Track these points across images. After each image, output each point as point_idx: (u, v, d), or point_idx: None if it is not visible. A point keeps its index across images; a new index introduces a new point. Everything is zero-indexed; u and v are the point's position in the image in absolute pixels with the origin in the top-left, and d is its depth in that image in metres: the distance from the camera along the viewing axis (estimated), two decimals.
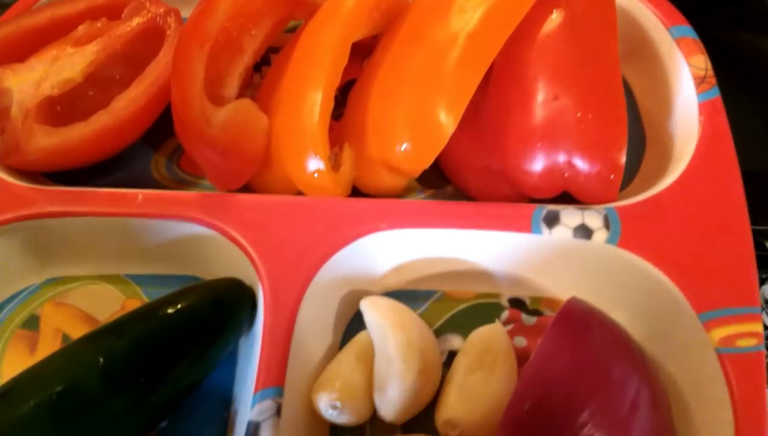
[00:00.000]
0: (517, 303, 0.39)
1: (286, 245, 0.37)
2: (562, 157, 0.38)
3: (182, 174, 0.45)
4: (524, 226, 0.37)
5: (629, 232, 0.36)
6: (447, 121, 0.37)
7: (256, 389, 0.33)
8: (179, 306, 0.35)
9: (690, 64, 0.41)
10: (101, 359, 0.33)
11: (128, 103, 0.41)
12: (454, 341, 0.38)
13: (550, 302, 0.39)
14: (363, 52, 0.47)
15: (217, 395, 0.37)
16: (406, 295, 0.39)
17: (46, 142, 0.39)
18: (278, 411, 0.33)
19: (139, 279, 0.41)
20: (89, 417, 0.32)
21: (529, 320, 0.39)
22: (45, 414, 0.31)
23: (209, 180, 0.41)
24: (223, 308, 0.36)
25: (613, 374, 0.31)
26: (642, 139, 0.44)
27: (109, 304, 0.40)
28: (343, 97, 0.45)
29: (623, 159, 0.37)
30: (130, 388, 0.33)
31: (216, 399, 0.37)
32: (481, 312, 0.39)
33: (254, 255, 0.37)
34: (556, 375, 0.31)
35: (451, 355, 0.37)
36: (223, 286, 0.37)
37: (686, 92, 0.41)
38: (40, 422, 0.31)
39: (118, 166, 0.44)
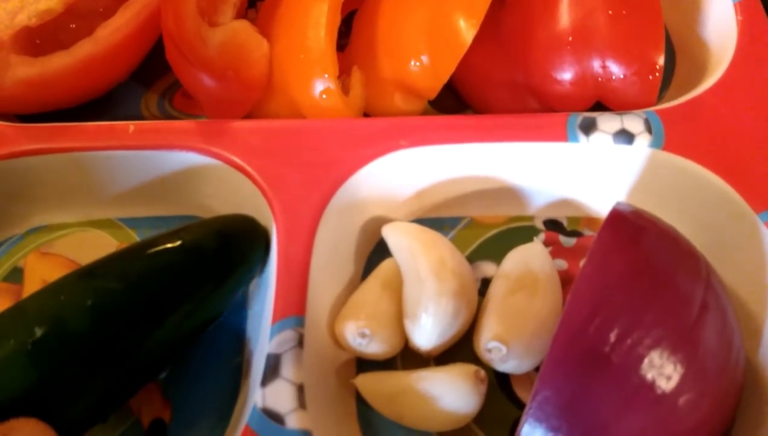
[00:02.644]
0: (553, 225, 0.36)
1: (297, 169, 0.33)
2: (594, 61, 0.34)
3: (175, 112, 0.41)
4: (559, 134, 0.33)
5: (674, 135, 0.33)
6: (467, 25, 0.34)
7: (274, 320, 0.30)
8: (181, 242, 0.31)
9: None
10: (91, 298, 0.29)
11: (114, 31, 0.37)
12: (487, 268, 0.35)
13: (590, 221, 0.36)
14: None
15: (228, 341, 0.33)
16: (431, 222, 0.36)
17: (25, 72, 0.36)
18: (300, 342, 0.29)
19: (134, 223, 0.37)
20: (76, 361, 0.28)
21: (568, 241, 0.35)
22: (26, 354, 0.27)
23: (206, 111, 0.37)
24: (233, 246, 0.32)
25: (677, 274, 0.27)
26: (671, 51, 0.41)
27: (100, 251, 0.35)
28: (347, 29, 0.42)
29: (662, 57, 0.34)
30: (123, 331, 0.29)
31: (227, 344, 0.33)
32: (514, 237, 0.35)
33: (262, 182, 0.33)
34: (613, 279, 0.27)
35: (485, 284, 0.34)
36: (233, 221, 0.33)
37: None
38: (21, 363, 0.27)
39: (105, 108, 0.41)
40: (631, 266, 0.27)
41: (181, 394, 0.32)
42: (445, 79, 0.35)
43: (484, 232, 0.36)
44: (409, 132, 0.34)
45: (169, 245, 0.31)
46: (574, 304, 0.26)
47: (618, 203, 0.30)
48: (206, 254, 0.31)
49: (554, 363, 0.26)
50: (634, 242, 0.28)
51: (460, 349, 0.32)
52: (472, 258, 0.35)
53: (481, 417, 0.30)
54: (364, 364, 0.32)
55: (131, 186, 0.36)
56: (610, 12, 0.34)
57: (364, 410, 0.31)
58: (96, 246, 0.37)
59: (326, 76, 0.35)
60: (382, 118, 0.36)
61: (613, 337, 0.26)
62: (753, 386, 0.30)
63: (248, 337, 0.33)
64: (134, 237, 0.37)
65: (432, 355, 0.32)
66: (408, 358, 0.32)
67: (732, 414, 0.28)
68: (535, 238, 0.34)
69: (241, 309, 0.34)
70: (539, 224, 0.36)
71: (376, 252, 0.35)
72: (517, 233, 0.36)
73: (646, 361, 0.25)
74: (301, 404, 0.28)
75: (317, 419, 0.28)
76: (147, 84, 0.42)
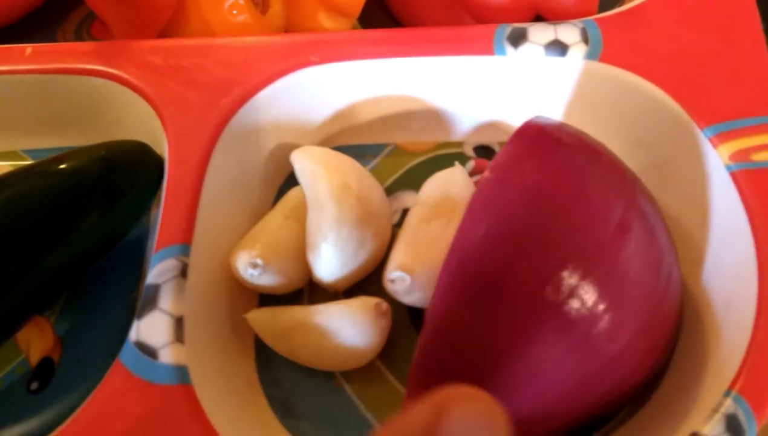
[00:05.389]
0: (484, 151, 0.33)
1: (196, 90, 0.30)
2: None
3: (93, 41, 0.38)
4: (485, 47, 0.30)
5: (613, 44, 0.29)
6: None
7: (157, 248, 0.27)
8: (60, 166, 0.29)
9: None
10: None
11: None
12: (408, 199, 0.32)
13: None
14: None
15: (125, 275, 0.31)
16: (351, 150, 0.32)
17: None
18: (183, 272, 0.27)
19: (39, 154, 0.35)
20: None
21: None
22: None
23: (114, 33, 0.34)
24: (118, 172, 0.29)
25: (592, 191, 0.24)
26: None
27: None
28: None
29: None
30: None
31: (124, 279, 0.31)
32: (441, 165, 0.32)
33: (158, 103, 0.30)
34: (517, 193, 0.24)
35: (405, 215, 0.31)
36: (120, 147, 0.30)
37: None
38: None
39: (17, 35, 0.38)
40: (536, 180, 0.24)
41: (74, 331, 0.30)
42: None
43: (408, 160, 0.33)
44: (320, 47, 0.31)
45: (47, 170, 0.28)
46: (468, 222, 0.23)
47: (536, 116, 0.26)
48: (87, 179, 0.28)
49: (445, 289, 0.23)
50: (544, 156, 0.25)
51: (371, 283, 0.29)
52: (395, 188, 0.32)
53: (389, 354, 0.28)
54: (268, 300, 0.30)
55: (34, 114, 0.34)
56: None
57: (264, 349, 0.29)
58: None
59: None
60: (291, 33, 0.33)
61: (508, 258, 0.23)
62: (693, 316, 0.27)
63: (144, 271, 0.31)
64: None
65: (338, 289, 0.29)
66: (315, 294, 0.30)
67: (667, 344, 0.25)
68: (456, 162, 0.31)
69: (139, 242, 0.31)
70: (469, 151, 0.33)
71: (290, 181, 0.32)
72: (445, 160, 0.32)
73: (548, 284, 0.22)
74: (178, 337, 0.25)
75: (198, 355, 0.26)
76: (65, 12, 0.39)
